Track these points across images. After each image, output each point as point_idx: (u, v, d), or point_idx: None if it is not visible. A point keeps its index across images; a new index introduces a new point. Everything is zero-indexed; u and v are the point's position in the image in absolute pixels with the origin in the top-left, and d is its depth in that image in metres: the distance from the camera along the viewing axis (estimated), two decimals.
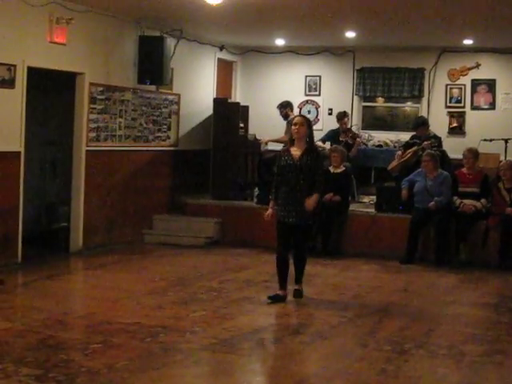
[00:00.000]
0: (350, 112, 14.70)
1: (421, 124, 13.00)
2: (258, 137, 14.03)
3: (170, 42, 12.70)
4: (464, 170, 11.75)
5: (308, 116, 15.28)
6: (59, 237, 11.97)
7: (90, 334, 7.15)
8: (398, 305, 8.82)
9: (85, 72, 11.38)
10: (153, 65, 12.30)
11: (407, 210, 11.85)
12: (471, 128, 14.52)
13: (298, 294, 8.81)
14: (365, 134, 14.78)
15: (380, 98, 15.56)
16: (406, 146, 12.86)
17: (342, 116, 13.91)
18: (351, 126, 14.39)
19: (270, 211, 8.76)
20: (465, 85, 14.68)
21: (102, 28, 11.71)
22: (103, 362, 6.16)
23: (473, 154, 11.73)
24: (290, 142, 8.80)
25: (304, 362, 6.66)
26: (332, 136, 13.81)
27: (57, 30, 10.66)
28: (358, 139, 13.79)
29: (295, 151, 8.61)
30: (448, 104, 14.80)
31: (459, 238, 11.37)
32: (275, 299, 8.59)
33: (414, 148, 12.52)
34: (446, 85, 14.80)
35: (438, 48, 14.56)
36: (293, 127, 8.66)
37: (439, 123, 14.41)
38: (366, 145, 14.54)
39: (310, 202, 8.49)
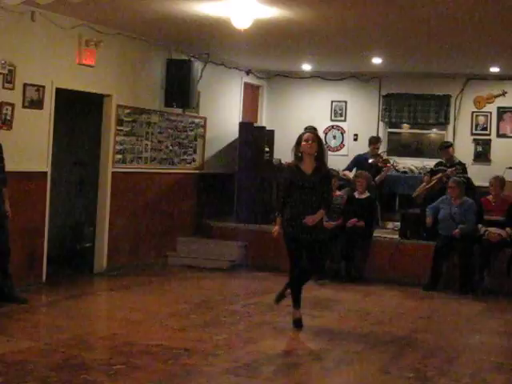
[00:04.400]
0: None
1: (446, 146, 13.02)
2: (283, 161, 14.03)
3: (198, 66, 12.80)
4: (489, 197, 11.70)
5: (333, 141, 15.57)
6: (84, 257, 12.03)
7: (113, 354, 7.15)
8: (421, 332, 8.76)
9: (112, 94, 11.47)
10: (180, 88, 12.40)
11: (431, 236, 11.82)
12: (496, 156, 14.46)
13: (299, 322, 8.55)
14: (391, 160, 14.75)
15: (406, 125, 15.55)
16: (432, 172, 12.86)
17: (376, 140, 13.89)
18: (384, 152, 14.36)
19: (277, 228, 8.56)
20: (491, 112, 14.63)
21: (131, 51, 11.82)
22: None
23: (499, 182, 11.69)
24: (295, 157, 8.43)
25: None
26: (359, 160, 13.75)
27: (86, 52, 10.78)
28: (388, 164, 13.75)
29: (306, 169, 8.33)
30: (474, 131, 14.76)
31: (483, 265, 11.30)
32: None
33: (439, 175, 12.50)
34: (472, 112, 14.76)
35: (465, 75, 14.54)
36: (304, 143, 8.28)
37: (465, 150, 14.37)
38: (397, 170, 14.46)
39: (317, 216, 8.25)
